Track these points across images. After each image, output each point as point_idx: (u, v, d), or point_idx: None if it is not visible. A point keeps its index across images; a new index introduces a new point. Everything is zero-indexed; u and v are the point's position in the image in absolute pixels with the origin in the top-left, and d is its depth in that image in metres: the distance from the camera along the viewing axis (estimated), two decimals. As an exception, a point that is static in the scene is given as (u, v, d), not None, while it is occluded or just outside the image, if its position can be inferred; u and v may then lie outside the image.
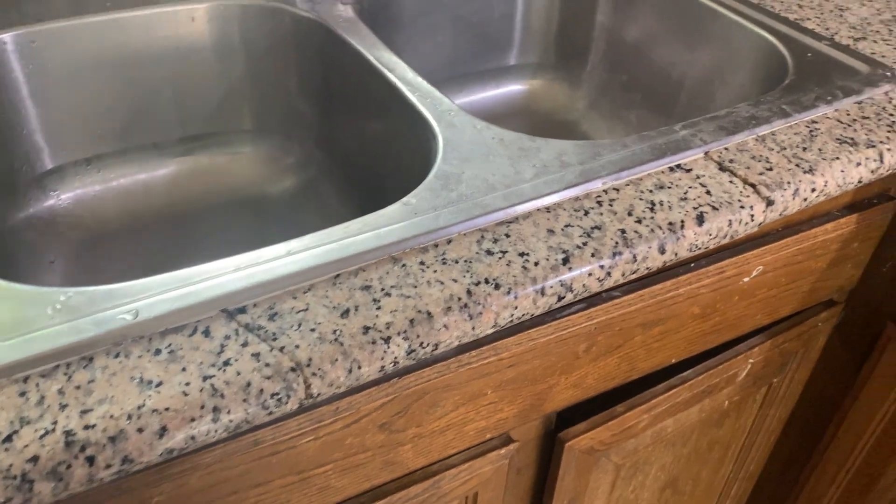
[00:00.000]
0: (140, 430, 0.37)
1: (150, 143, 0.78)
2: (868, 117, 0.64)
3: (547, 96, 0.95)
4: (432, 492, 0.60)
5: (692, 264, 0.61)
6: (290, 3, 0.75)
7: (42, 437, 0.36)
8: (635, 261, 0.50)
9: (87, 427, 0.37)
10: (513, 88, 0.95)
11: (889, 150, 0.61)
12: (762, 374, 0.76)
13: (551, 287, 0.47)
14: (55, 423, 0.37)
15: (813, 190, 0.57)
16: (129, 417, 0.37)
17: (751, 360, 0.73)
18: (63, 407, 0.38)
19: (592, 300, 0.57)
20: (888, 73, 0.69)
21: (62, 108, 0.71)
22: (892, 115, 0.64)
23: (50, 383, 0.39)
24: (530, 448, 0.66)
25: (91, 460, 0.36)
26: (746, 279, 0.65)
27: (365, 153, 0.73)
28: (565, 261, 0.48)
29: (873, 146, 0.60)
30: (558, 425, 0.65)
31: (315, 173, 0.79)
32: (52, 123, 0.71)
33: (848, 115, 0.64)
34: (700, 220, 0.52)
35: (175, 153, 0.79)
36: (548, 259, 0.48)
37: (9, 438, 0.36)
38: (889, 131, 0.62)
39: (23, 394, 0.38)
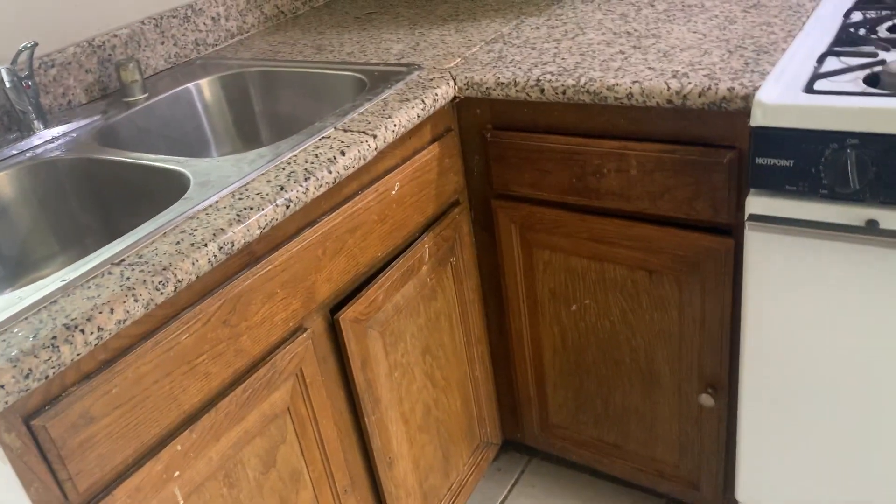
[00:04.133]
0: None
1: (-20, 283, 1.06)
2: (412, 88, 1.16)
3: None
4: (272, 370, 0.96)
5: (360, 191, 1.06)
6: (51, 153, 1.10)
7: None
8: (318, 179, 0.94)
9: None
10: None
11: (423, 100, 1.12)
12: (440, 256, 1.23)
13: (278, 203, 0.89)
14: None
15: (395, 125, 1.06)
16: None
17: (426, 246, 1.19)
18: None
19: (314, 221, 0.99)
20: (419, 67, 1.22)
21: None
22: (430, 81, 1.17)
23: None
24: (324, 338, 1.04)
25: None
26: (393, 192, 1.11)
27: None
28: (281, 189, 0.90)
29: (418, 98, 1.12)
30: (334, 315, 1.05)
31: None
32: None
33: (403, 90, 1.15)
34: (343, 153, 0.98)
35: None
36: (269, 193, 0.90)
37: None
38: (425, 88, 1.14)
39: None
